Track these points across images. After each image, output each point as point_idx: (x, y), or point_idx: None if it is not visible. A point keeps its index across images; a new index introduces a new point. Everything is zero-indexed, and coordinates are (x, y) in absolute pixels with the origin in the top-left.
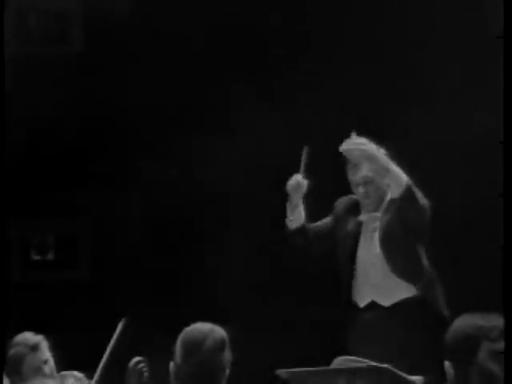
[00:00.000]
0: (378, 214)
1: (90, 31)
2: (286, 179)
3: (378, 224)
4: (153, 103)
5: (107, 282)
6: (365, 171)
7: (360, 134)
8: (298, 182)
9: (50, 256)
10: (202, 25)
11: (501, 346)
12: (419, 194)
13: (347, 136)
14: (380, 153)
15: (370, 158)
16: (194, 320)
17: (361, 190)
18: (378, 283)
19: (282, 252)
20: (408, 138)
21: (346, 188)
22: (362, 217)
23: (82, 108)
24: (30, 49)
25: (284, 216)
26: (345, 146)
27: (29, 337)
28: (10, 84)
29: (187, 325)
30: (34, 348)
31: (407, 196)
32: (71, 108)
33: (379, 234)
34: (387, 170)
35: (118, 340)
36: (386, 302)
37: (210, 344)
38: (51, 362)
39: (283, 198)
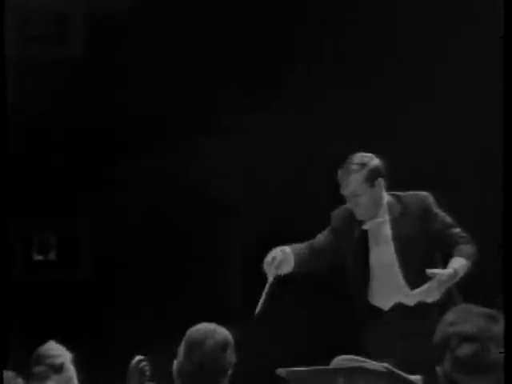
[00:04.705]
0: (381, 220)
1: (91, 32)
2: (284, 180)
3: (386, 230)
4: (153, 104)
5: (108, 282)
6: (352, 187)
7: (358, 134)
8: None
9: (52, 256)
10: (202, 25)
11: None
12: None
13: (342, 140)
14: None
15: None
16: (194, 320)
17: (349, 203)
18: (401, 286)
19: None
20: (407, 139)
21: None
22: (366, 225)
23: (82, 109)
24: (30, 50)
25: (283, 217)
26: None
27: (55, 354)
28: (10, 84)
29: (187, 324)
30: (59, 370)
31: (425, 214)
32: (71, 108)
33: (395, 243)
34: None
35: None
36: (410, 302)
37: (211, 344)
38: (75, 378)
39: (282, 198)
